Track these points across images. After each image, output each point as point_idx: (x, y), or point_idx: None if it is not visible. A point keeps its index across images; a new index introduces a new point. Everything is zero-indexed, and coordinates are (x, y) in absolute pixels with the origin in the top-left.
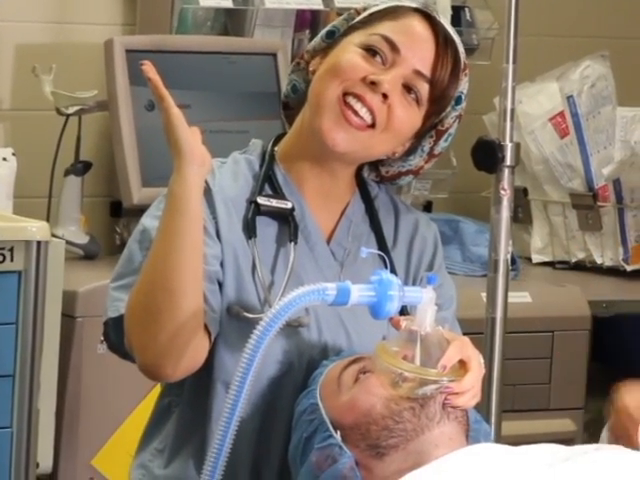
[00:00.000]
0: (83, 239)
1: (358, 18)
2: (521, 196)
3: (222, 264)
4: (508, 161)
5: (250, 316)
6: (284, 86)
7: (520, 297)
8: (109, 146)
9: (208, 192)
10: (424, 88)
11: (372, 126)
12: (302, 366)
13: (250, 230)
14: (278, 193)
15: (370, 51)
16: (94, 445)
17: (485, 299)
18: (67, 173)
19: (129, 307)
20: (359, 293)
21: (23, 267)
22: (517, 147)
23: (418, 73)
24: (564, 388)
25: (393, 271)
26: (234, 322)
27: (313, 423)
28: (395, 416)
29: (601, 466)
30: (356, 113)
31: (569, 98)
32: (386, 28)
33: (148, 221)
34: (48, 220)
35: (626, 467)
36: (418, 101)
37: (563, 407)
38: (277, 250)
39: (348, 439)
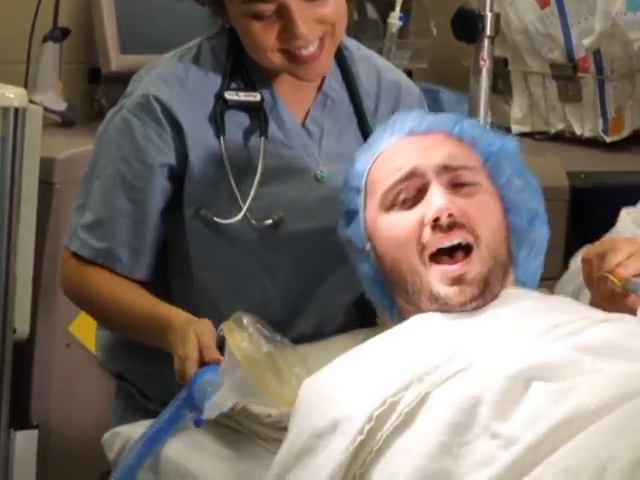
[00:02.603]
0: (61, 106)
1: None
2: (501, 66)
3: (188, 169)
4: (488, 31)
5: (220, 221)
6: None
7: None
8: (88, 12)
9: (163, 108)
10: None
11: (324, 36)
12: (285, 267)
13: (219, 127)
14: (247, 85)
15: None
16: (71, 311)
17: None
18: (45, 39)
19: (84, 290)
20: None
21: (0, 134)
22: (497, 17)
23: None
24: None
25: None
26: (206, 228)
27: None
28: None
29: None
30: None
31: None
32: None
33: (112, 155)
34: (26, 87)
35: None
36: None
37: (541, 277)
38: (248, 146)
39: None
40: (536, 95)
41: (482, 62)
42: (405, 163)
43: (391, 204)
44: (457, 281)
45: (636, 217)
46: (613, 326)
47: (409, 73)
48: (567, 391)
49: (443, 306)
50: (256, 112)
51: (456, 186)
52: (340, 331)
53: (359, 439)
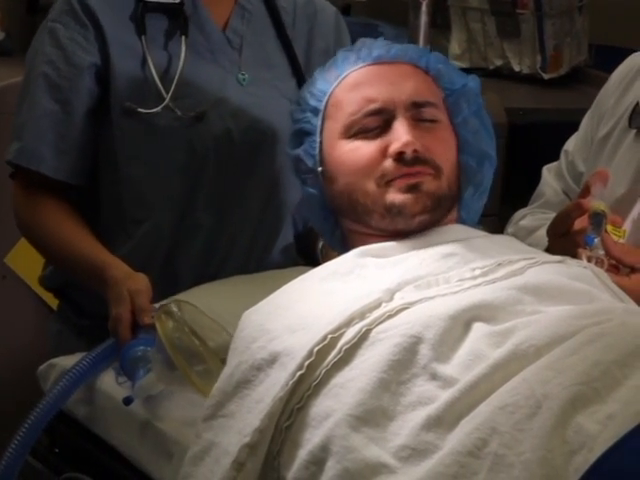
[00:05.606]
0: None
1: None
2: (440, 1)
3: (110, 69)
4: None
5: (144, 111)
6: None
7: None
8: None
9: (86, 10)
10: None
11: None
12: (210, 167)
13: (139, 27)
14: None
15: None
16: (7, 243)
17: None
18: None
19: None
20: None
21: None
22: None
23: None
24: None
25: (293, 55)
26: (130, 121)
27: None
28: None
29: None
30: None
31: None
32: None
33: (37, 63)
34: None
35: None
36: None
37: None
38: (169, 45)
39: None
40: (475, 31)
41: None
42: (376, 96)
43: (355, 132)
44: (413, 188)
45: (557, 171)
46: (555, 268)
47: (348, 7)
48: (507, 333)
49: (395, 217)
50: (176, 16)
51: (419, 121)
52: (277, 266)
53: (299, 374)
